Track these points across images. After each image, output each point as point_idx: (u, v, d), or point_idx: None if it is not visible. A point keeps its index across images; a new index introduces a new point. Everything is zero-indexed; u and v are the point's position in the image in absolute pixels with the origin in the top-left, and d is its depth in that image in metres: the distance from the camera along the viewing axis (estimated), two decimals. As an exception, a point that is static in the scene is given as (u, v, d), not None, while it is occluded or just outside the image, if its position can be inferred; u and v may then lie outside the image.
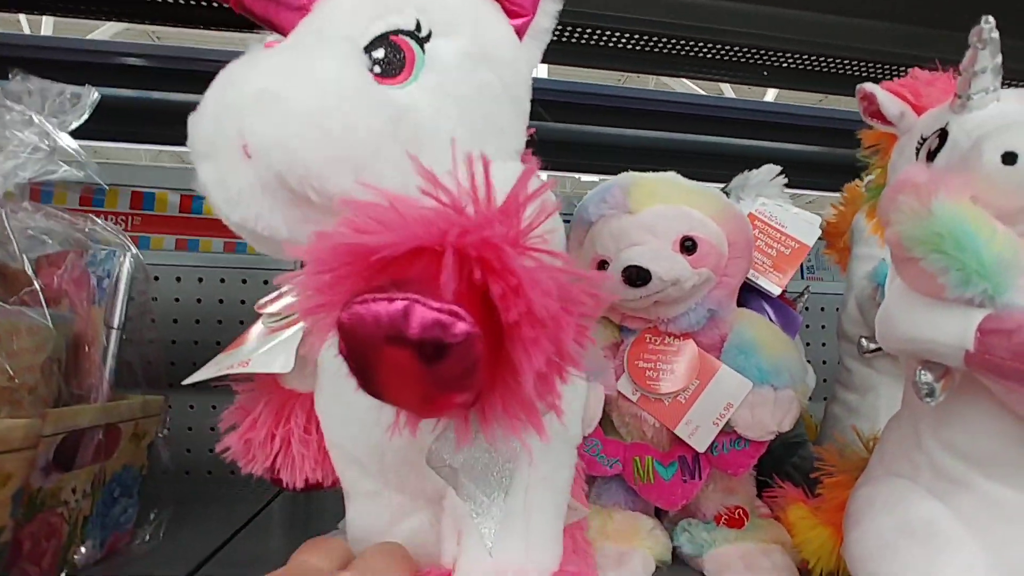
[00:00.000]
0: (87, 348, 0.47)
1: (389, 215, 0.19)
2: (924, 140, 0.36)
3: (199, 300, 0.85)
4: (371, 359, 0.18)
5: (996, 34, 0.31)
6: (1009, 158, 0.30)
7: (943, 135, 0.34)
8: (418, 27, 0.27)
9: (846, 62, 0.94)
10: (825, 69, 0.97)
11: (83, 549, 0.45)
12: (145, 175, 1.16)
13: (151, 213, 1.42)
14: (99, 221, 0.51)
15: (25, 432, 0.34)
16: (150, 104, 1.13)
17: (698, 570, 0.48)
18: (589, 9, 0.75)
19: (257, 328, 0.37)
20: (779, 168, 0.65)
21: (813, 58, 0.95)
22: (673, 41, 0.88)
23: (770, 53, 0.94)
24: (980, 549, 0.32)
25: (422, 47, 0.27)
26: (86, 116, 0.50)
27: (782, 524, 0.51)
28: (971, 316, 0.29)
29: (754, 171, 0.65)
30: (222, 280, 0.85)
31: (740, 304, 0.60)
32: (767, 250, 0.60)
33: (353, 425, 0.31)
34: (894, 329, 0.33)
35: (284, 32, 0.28)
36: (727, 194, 0.65)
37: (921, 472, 0.36)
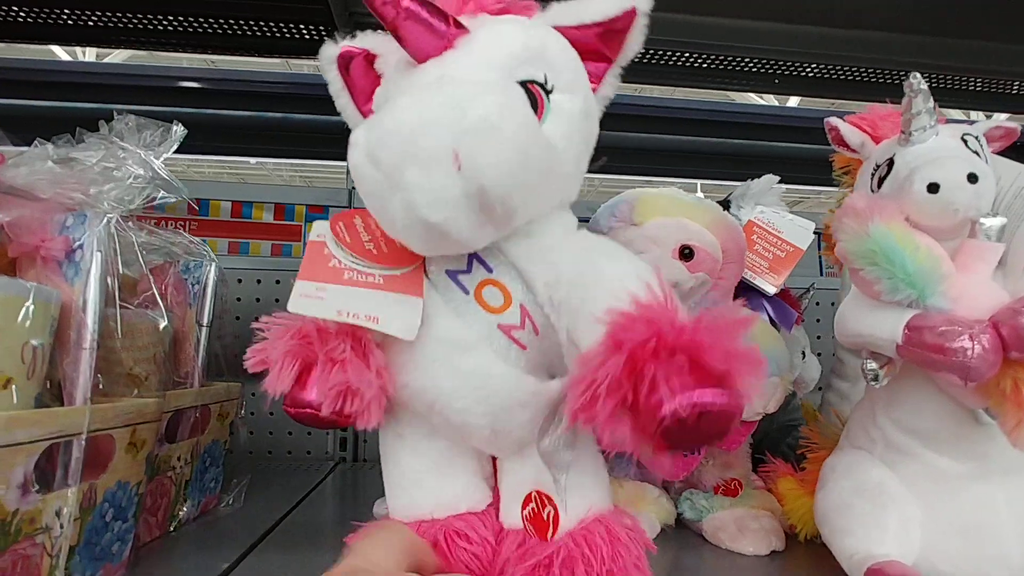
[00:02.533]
0: (184, 342, 0.57)
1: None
2: (878, 167, 0.42)
3: (258, 299, 0.95)
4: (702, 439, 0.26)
5: (924, 85, 0.38)
6: (933, 188, 0.37)
7: (891, 164, 0.41)
8: (546, 80, 0.33)
9: (853, 70, 1.00)
10: (834, 77, 1.03)
11: (185, 508, 0.55)
12: (198, 186, 1.27)
13: (206, 218, 1.55)
14: (185, 235, 0.61)
15: (156, 408, 0.44)
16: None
17: (698, 532, 0.56)
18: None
19: (337, 266, 0.35)
20: (777, 178, 0.71)
21: (821, 67, 1.00)
22: (689, 55, 0.95)
23: (781, 63, 1.00)
24: (919, 507, 0.39)
25: (548, 97, 0.34)
26: (175, 147, 0.60)
27: (773, 495, 0.58)
28: (902, 315, 0.36)
29: (754, 181, 0.72)
30: (277, 281, 0.96)
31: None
32: (764, 253, 0.67)
33: (469, 398, 0.34)
34: (845, 326, 0.40)
35: (418, 54, 0.32)
36: (729, 202, 0.72)
37: (876, 444, 0.43)
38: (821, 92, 1.10)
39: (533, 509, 0.36)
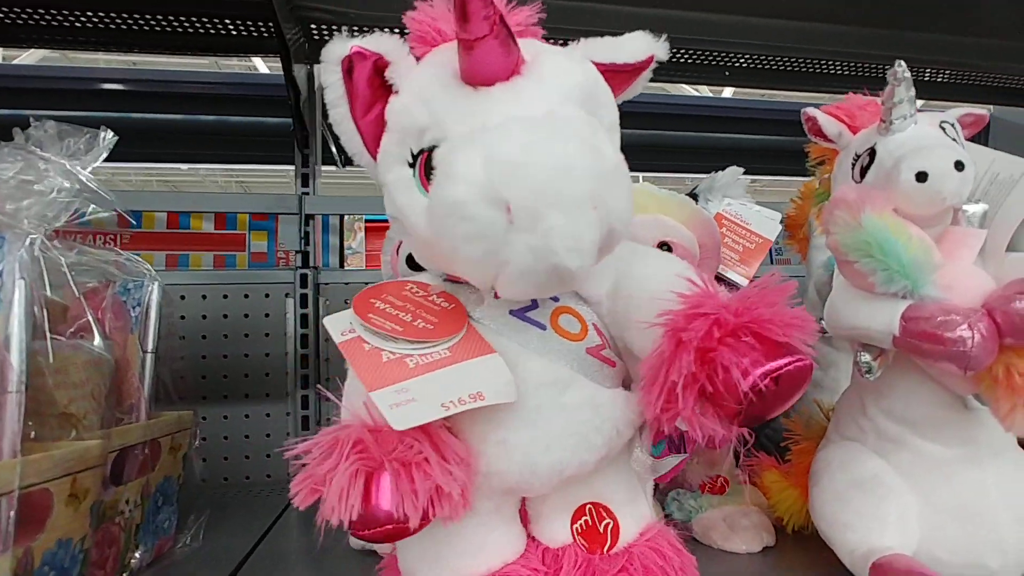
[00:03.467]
0: (127, 372, 0.51)
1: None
2: (858, 156, 0.42)
3: (204, 316, 0.88)
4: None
5: (908, 73, 0.37)
6: (921, 176, 0.36)
7: (872, 153, 0.41)
8: (595, 116, 0.31)
9: (796, 61, 1.03)
10: (779, 68, 1.05)
11: (137, 554, 0.50)
12: (129, 196, 1.18)
13: (139, 230, 1.44)
14: (123, 253, 0.56)
15: (99, 450, 0.39)
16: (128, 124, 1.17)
17: (687, 534, 0.55)
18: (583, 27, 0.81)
19: (392, 358, 0.31)
20: (742, 170, 0.71)
21: (771, 58, 1.03)
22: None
23: (730, 55, 1.02)
24: (914, 495, 0.39)
25: None
26: (104, 156, 0.54)
27: (758, 488, 0.58)
28: (897, 307, 0.36)
29: (719, 173, 0.72)
30: (224, 296, 0.89)
31: (713, 295, 0.67)
32: (734, 246, 0.67)
33: (584, 431, 0.32)
34: (838, 319, 0.40)
35: (485, 75, 0.30)
36: (696, 196, 0.72)
37: (867, 435, 0.42)
38: (764, 83, 1.12)
39: (587, 522, 0.35)
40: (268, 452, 0.88)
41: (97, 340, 0.44)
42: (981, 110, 0.43)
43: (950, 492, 0.39)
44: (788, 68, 1.06)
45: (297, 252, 0.92)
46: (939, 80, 1.09)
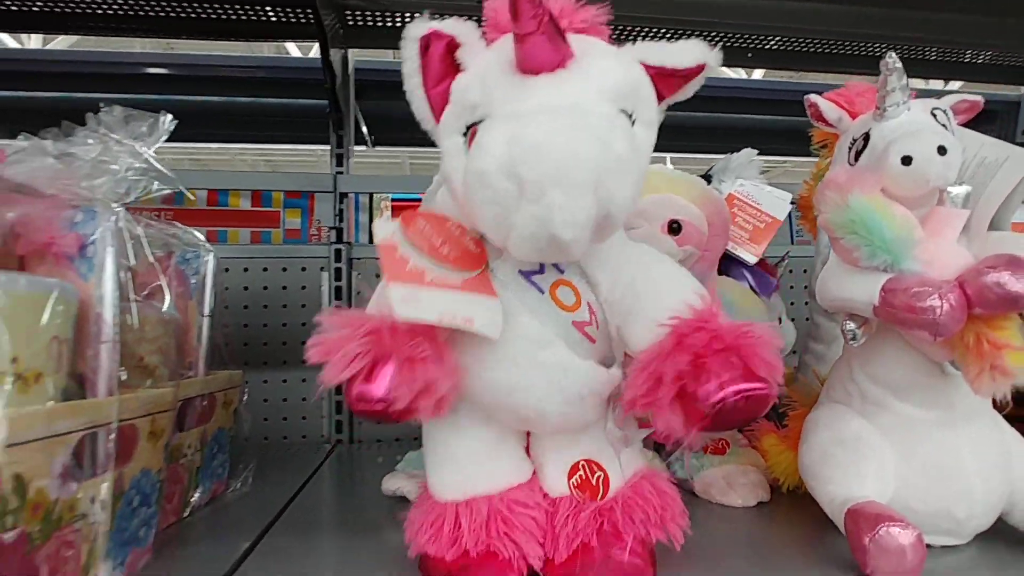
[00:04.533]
0: (188, 333, 0.57)
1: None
2: (855, 141, 0.45)
3: (245, 288, 0.95)
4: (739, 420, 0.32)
5: (899, 64, 0.40)
6: (907, 160, 0.40)
7: (867, 138, 0.44)
8: (633, 113, 0.35)
9: (820, 42, 1.04)
10: (804, 50, 1.06)
11: (197, 493, 0.57)
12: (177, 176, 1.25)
13: (180, 207, 1.52)
14: (179, 226, 0.62)
15: (172, 397, 0.45)
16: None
17: (689, 491, 0.60)
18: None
19: (416, 269, 0.36)
20: (755, 152, 0.74)
21: (795, 40, 1.04)
22: (664, 31, 0.97)
23: (754, 37, 1.03)
24: (892, 453, 0.43)
25: (632, 127, 0.35)
26: (164, 138, 0.60)
27: (758, 451, 0.62)
28: (879, 279, 0.40)
29: (734, 155, 0.75)
30: (264, 269, 0.96)
31: (724, 270, 0.70)
32: (745, 225, 0.70)
33: (550, 388, 0.37)
34: (826, 291, 0.43)
35: (533, 66, 0.33)
36: (710, 176, 0.75)
37: (853, 398, 0.46)
38: (787, 65, 1.13)
39: (581, 476, 0.40)
40: (304, 415, 0.95)
41: (167, 302, 0.50)
42: (975, 96, 0.46)
43: (925, 450, 0.43)
44: (812, 50, 1.07)
45: (331, 228, 0.98)
46: (977, 62, 1.09)
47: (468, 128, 0.35)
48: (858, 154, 0.44)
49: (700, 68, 0.37)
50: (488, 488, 0.40)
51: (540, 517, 0.39)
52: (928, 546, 0.43)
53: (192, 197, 0.60)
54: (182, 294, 0.57)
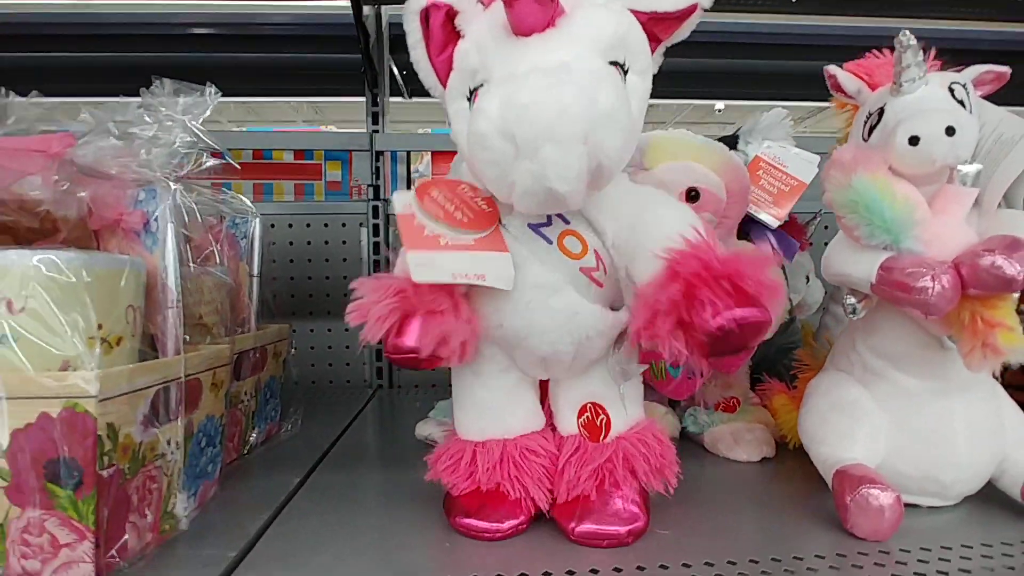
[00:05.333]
0: (240, 292, 0.63)
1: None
2: (870, 115, 0.45)
3: (290, 243, 1.01)
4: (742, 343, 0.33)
5: (914, 41, 0.40)
6: (914, 140, 0.40)
7: (881, 113, 0.44)
8: (625, 62, 0.38)
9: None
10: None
11: (254, 434, 0.64)
12: (224, 137, 1.31)
13: (229, 162, 1.57)
14: (229, 193, 0.67)
15: (228, 352, 0.51)
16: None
17: (699, 443, 0.64)
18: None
19: (432, 234, 0.40)
20: (786, 112, 0.73)
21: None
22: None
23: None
24: (886, 420, 0.46)
25: (625, 78, 0.38)
26: (210, 109, 0.64)
27: (768, 410, 0.65)
28: (878, 257, 0.41)
29: (764, 115, 0.74)
30: (325, 225, 1.01)
31: (746, 232, 0.71)
32: (769, 188, 0.70)
33: (560, 331, 0.41)
34: (829, 265, 0.45)
35: (523, 28, 0.35)
36: (738, 137, 0.75)
37: (854, 367, 0.49)
38: (832, 10, 1.08)
39: (588, 418, 0.45)
40: (348, 361, 1.02)
41: (220, 266, 0.56)
42: (1002, 68, 0.45)
43: (918, 418, 0.45)
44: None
45: (369, 186, 1.02)
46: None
47: (472, 92, 0.38)
48: (872, 129, 0.45)
49: (692, 8, 0.39)
50: (504, 432, 0.45)
51: (548, 464, 0.44)
52: (916, 506, 0.46)
53: (237, 165, 0.64)
54: (233, 256, 0.62)
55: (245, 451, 0.63)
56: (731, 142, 0.75)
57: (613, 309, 0.43)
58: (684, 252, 0.35)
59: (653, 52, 0.41)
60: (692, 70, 1.29)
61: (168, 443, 0.43)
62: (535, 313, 0.41)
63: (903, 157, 0.41)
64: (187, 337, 0.46)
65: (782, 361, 0.75)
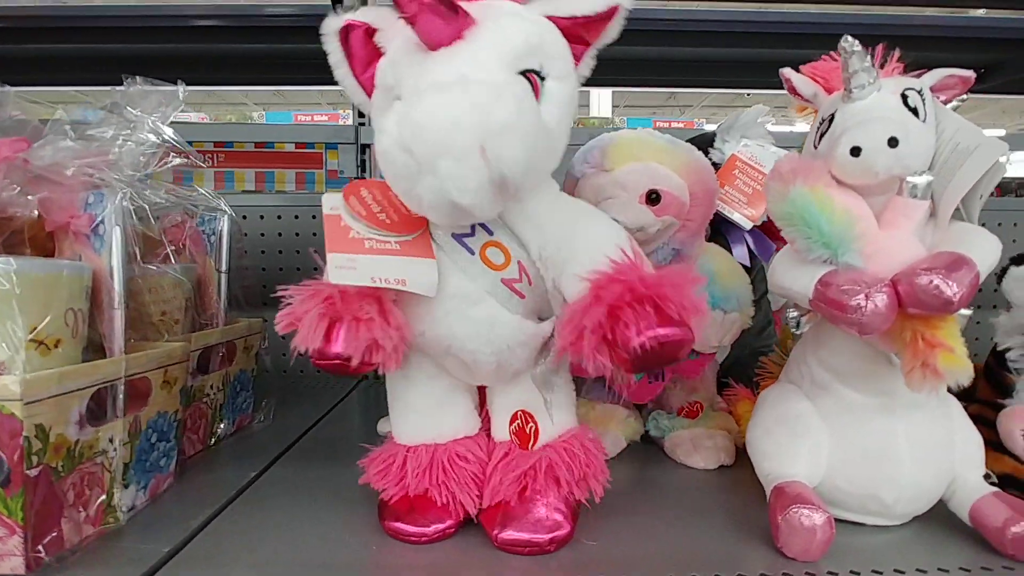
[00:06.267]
0: (207, 288, 0.64)
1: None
2: (822, 122, 0.44)
3: (279, 234, 1.02)
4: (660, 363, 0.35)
5: (858, 46, 0.38)
6: (855, 151, 0.38)
7: (831, 120, 0.42)
8: (542, 69, 0.37)
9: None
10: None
11: (221, 426, 0.66)
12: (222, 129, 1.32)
13: (231, 150, 1.60)
14: (203, 191, 0.67)
15: (182, 351, 0.52)
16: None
17: (662, 448, 0.63)
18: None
19: (357, 236, 0.40)
20: (766, 109, 0.71)
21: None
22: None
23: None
24: (829, 435, 0.45)
25: (543, 84, 0.37)
26: (180, 109, 0.65)
27: (733, 416, 0.64)
28: (817, 272, 0.40)
29: (743, 112, 0.72)
30: (296, 216, 1.02)
31: (724, 232, 0.70)
32: (744, 188, 0.68)
33: (479, 340, 0.41)
34: (773, 278, 0.44)
35: (431, 43, 0.34)
36: (714, 135, 0.73)
37: (804, 380, 0.47)
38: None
39: (519, 425, 0.45)
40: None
41: (177, 266, 0.57)
42: (966, 72, 0.42)
43: (861, 434, 0.44)
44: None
45: (354, 178, 1.02)
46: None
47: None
48: (823, 136, 0.43)
49: (614, 10, 0.38)
50: (436, 437, 0.46)
51: (478, 470, 0.44)
52: (862, 524, 0.45)
53: (202, 165, 0.65)
54: (200, 252, 0.64)
55: (212, 442, 0.64)
56: (709, 140, 0.73)
57: (542, 318, 0.43)
58: (609, 276, 0.36)
59: (583, 55, 0.40)
60: (717, 59, 1.28)
61: (110, 440, 0.44)
62: (455, 322, 0.41)
63: (844, 167, 0.39)
64: (146, 335, 0.47)
65: (754, 366, 0.74)
